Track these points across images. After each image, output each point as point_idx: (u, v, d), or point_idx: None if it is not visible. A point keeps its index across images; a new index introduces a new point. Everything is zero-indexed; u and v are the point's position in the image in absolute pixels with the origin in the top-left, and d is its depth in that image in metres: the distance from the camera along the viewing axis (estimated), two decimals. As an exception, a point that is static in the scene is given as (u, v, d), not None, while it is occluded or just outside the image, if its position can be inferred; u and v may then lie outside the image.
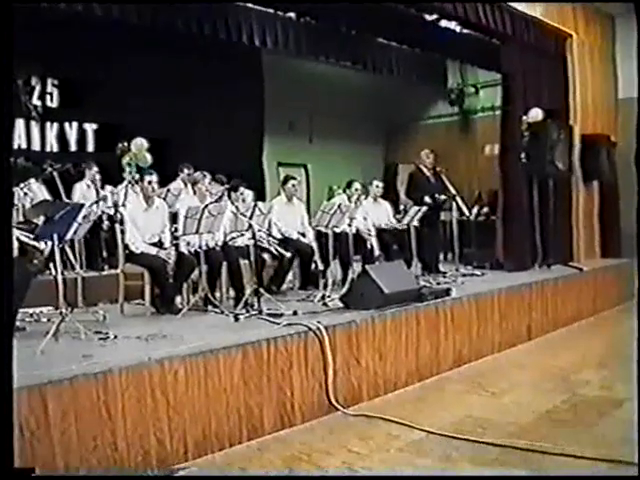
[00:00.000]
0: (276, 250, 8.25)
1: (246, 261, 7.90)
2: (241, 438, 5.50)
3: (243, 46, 10.11)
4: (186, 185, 10.12)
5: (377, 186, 10.41)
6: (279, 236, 8.85)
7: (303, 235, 9.10)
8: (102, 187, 9.91)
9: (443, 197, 10.58)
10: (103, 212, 9.14)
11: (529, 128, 11.39)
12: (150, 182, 7.62)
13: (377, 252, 9.57)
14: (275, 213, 8.63)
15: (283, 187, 9.38)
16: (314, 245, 8.99)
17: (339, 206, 8.66)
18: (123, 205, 8.55)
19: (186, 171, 10.30)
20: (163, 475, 4.87)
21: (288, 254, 8.33)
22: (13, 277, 3.76)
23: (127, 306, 7.54)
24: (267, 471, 5.01)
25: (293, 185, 9.33)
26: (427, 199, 10.48)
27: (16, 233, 5.86)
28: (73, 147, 12.31)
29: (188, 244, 7.62)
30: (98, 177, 10.06)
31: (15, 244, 5.79)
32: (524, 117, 11.35)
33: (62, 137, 12.18)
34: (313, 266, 9.04)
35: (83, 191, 10.01)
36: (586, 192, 12.68)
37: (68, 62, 11.25)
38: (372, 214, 9.99)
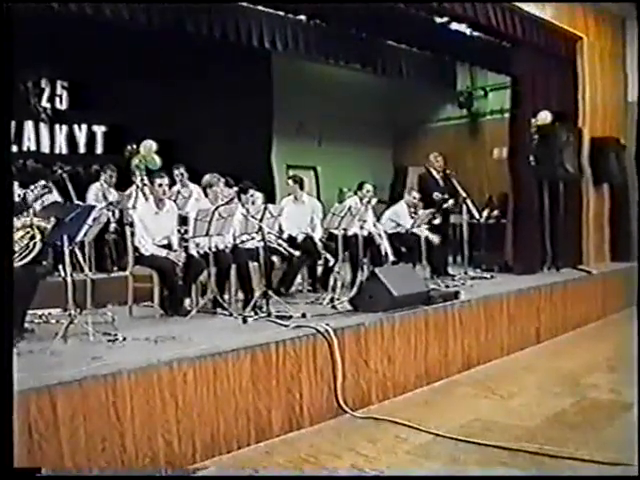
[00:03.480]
0: (285, 250, 8.28)
1: (255, 263, 7.92)
2: (249, 440, 5.50)
3: (253, 48, 10.11)
4: (183, 186, 10.08)
5: (414, 197, 10.47)
6: (285, 236, 8.89)
7: (310, 236, 9.12)
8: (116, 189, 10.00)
9: (451, 201, 10.64)
10: (109, 219, 9.18)
11: (538, 131, 11.38)
12: (161, 184, 7.64)
13: (391, 257, 9.55)
14: (284, 213, 8.66)
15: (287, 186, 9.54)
16: (319, 245, 9.02)
17: (349, 208, 8.66)
18: (133, 207, 8.57)
19: (176, 172, 10.18)
20: (181, 475, 4.88)
21: (297, 252, 8.37)
22: (13, 278, 3.76)
23: (136, 308, 7.56)
24: (275, 474, 5.01)
25: (287, 183, 9.46)
26: (437, 194, 10.51)
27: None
28: (82, 149, 12.36)
29: (197, 245, 7.64)
30: (114, 181, 10.14)
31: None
32: (533, 120, 11.34)
33: (71, 139, 12.23)
34: (323, 261, 9.07)
35: (97, 192, 10.04)
36: (596, 195, 12.64)
37: (77, 64, 11.29)
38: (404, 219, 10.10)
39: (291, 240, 8.92)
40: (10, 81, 3.72)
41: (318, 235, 9.20)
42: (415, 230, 10.07)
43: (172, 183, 9.80)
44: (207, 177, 9.08)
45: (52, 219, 5.89)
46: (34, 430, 4.24)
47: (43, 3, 7.59)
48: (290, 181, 9.56)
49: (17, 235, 5.74)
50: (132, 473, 4.69)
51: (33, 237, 5.84)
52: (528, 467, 4.92)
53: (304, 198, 9.49)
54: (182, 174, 10.10)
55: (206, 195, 8.82)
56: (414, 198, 10.54)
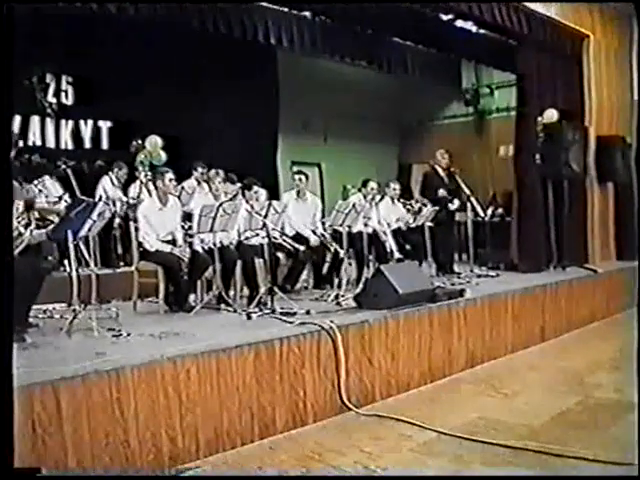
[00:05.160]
0: (290, 245, 8.27)
1: (260, 260, 7.91)
2: (253, 437, 5.49)
3: (258, 44, 10.10)
4: (199, 183, 10.14)
5: (394, 188, 10.41)
6: (291, 232, 8.88)
7: (314, 232, 9.11)
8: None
9: (457, 202, 10.60)
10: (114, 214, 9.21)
11: (544, 129, 11.36)
12: (171, 179, 7.63)
13: (396, 254, 9.51)
14: (289, 210, 8.64)
15: (293, 182, 9.49)
16: (328, 238, 9.00)
17: (354, 206, 8.64)
18: (138, 202, 8.59)
19: (200, 170, 10.29)
20: (170, 475, 4.87)
21: (302, 247, 8.37)
22: (13, 276, 3.74)
23: (140, 303, 7.55)
24: (279, 470, 5.00)
25: (300, 179, 9.36)
26: (442, 191, 10.48)
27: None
28: (87, 144, 12.38)
29: (202, 241, 7.64)
30: (125, 178, 10.20)
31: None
32: (539, 118, 11.32)
33: (77, 134, 12.25)
34: (333, 252, 9.02)
35: (107, 187, 10.10)
36: (601, 194, 12.61)
37: (83, 60, 11.33)
38: (389, 215, 10.00)
39: (296, 237, 8.89)
40: (9, 79, 3.70)
41: (320, 231, 9.17)
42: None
43: (184, 178, 9.89)
44: (210, 173, 9.10)
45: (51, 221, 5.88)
46: (37, 425, 4.23)
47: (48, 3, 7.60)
48: (302, 177, 9.41)
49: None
50: (133, 473, 4.69)
51: (28, 224, 5.79)
52: (532, 466, 4.91)
53: (307, 195, 9.45)
54: (203, 173, 10.16)
55: (210, 189, 8.84)
56: (394, 190, 10.46)
